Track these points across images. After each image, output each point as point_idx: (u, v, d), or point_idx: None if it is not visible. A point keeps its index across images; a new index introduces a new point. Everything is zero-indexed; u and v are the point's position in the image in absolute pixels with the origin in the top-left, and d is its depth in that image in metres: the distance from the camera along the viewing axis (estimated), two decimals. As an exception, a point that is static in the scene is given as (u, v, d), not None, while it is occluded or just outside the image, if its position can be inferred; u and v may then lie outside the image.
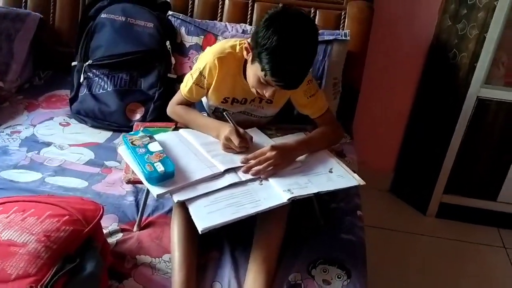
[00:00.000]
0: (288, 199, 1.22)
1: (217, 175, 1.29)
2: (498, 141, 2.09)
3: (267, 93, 1.35)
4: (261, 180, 1.30)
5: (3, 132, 1.70)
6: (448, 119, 2.08)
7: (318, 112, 1.52)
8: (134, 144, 1.32)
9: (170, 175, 1.24)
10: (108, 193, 1.46)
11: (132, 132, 1.39)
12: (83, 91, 1.80)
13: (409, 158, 2.33)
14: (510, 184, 2.14)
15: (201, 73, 1.47)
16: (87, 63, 1.82)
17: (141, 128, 1.48)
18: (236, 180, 1.28)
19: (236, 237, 1.32)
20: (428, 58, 2.11)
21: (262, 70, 1.29)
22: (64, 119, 1.80)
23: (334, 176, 1.34)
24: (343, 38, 1.77)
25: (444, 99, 2.08)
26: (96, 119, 1.77)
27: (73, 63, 1.87)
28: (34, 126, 1.75)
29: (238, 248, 1.30)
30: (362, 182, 1.33)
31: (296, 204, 1.31)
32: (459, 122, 2.05)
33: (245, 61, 1.41)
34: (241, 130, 1.39)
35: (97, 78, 1.81)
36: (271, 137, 1.51)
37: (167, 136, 1.43)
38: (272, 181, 1.29)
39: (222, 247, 1.30)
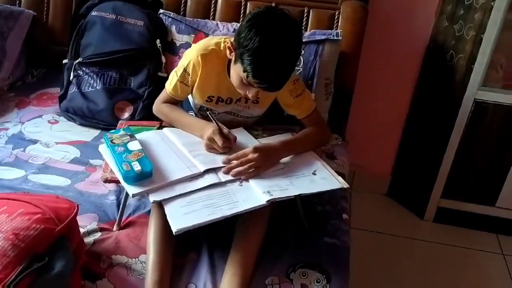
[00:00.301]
0: (267, 201, 1.19)
1: (196, 175, 1.26)
2: (497, 144, 2.03)
3: (250, 94, 1.32)
4: (241, 182, 1.27)
5: (-10, 129, 1.70)
6: (445, 121, 2.03)
7: (305, 112, 1.49)
8: (114, 143, 1.30)
9: (147, 175, 1.22)
10: (90, 192, 1.45)
11: (113, 131, 1.38)
12: (73, 89, 1.79)
13: (406, 162, 2.29)
14: (509, 188, 2.09)
15: (185, 70, 1.45)
16: (77, 61, 1.81)
17: (124, 127, 1.47)
18: (216, 181, 1.25)
19: (216, 239, 1.29)
20: (425, 59, 2.06)
21: (244, 72, 1.26)
22: (53, 117, 1.80)
23: (317, 178, 1.31)
24: (335, 38, 1.73)
25: (441, 102, 2.03)
26: (84, 117, 1.76)
27: (64, 61, 1.86)
28: (23, 123, 1.75)
29: (217, 250, 1.27)
30: (345, 185, 1.29)
31: (280, 206, 1.28)
32: (456, 124, 2.00)
33: (229, 60, 1.39)
34: (225, 130, 1.36)
35: (86, 76, 1.80)
36: (257, 138, 1.48)
37: (149, 135, 1.41)
38: (252, 182, 1.26)
39: (201, 248, 1.28)
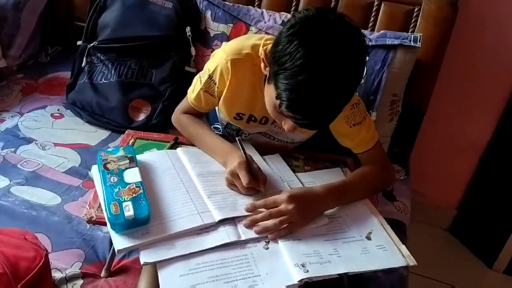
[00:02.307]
0: (299, 281, 0.86)
1: (208, 226, 0.94)
2: None
3: (285, 125, 0.98)
4: (268, 242, 0.93)
5: (-15, 118, 1.44)
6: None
7: (363, 146, 1.13)
8: (107, 168, 0.99)
9: (141, 222, 0.90)
10: (80, 218, 1.15)
11: (110, 149, 1.06)
12: (83, 78, 1.50)
13: (478, 196, 1.88)
14: None
15: (210, 77, 1.11)
16: (91, 44, 1.50)
17: (130, 140, 1.16)
18: (234, 238, 0.92)
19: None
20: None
21: (277, 98, 0.92)
22: (58, 109, 1.51)
23: (372, 246, 0.96)
24: (412, 44, 1.33)
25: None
26: (92, 114, 1.46)
27: (78, 42, 1.56)
28: (22, 115, 1.47)
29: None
30: (412, 262, 0.94)
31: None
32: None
33: None
34: (255, 165, 1.03)
35: (100, 65, 1.49)
36: (296, 171, 1.14)
37: (157, 157, 1.10)
38: (282, 245, 0.93)
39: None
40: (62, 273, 1.02)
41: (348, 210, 1.04)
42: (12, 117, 1.46)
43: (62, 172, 1.29)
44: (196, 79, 1.17)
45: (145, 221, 0.90)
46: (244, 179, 0.99)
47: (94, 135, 1.43)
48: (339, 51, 0.87)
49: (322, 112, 0.91)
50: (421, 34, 1.35)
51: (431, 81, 1.44)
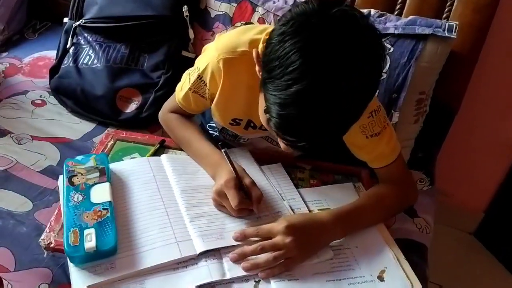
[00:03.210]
0: (292, 338, 0.70)
1: (186, 259, 0.78)
2: None
3: (280, 143, 0.80)
4: (258, 282, 0.78)
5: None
6: None
7: (381, 161, 0.95)
8: (72, 183, 0.84)
9: (105, 255, 0.75)
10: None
11: (80, 157, 0.90)
12: (67, 61, 1.33)
13: (507, 201, 1.69)
14: None
15: (200, 77, 0.94)
16: (77, 23, 1.33)
17: (109, 142, 1.00)
18: (217, 277, 0.76)
19: None
20: None
21: (266, 113, 0.74)
22: (40, 96, 1.35)
23: (384, 289, 0.79)
24: (446, 34, 1.12)
25: None
26: (77, 103, 1.30)
27: (65, 20, 1.39)
28: (0, 101, 1.32)
29: None
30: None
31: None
32: None
33: None
34: (247, 180, 0.86)
35: (87, 47, 1.32)
36: (300, 185, 0.97)
37: (136, 166, 0.94)
38: (275, 286, 0.77)
39: None
40: (23, 299, 0.89)
41: (358, 240, 0.87)
42: (-12, 104, 1.31)
43: (38, 171, 1.14)
44: (185, 76, 1.00)
45: (110, 253, 0.75)
46: (233, 200, 0.82)
47: (77, 127, 1.27)
48: (345, 57, 0.67)
49: (319, 134, 0.72)
50: (457, 23, 1.13)
51: (466, 77, 1.23)
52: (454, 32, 1.12)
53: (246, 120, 0.96)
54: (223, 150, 0.85)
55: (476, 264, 1.77)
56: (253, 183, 0.86)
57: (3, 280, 0.87)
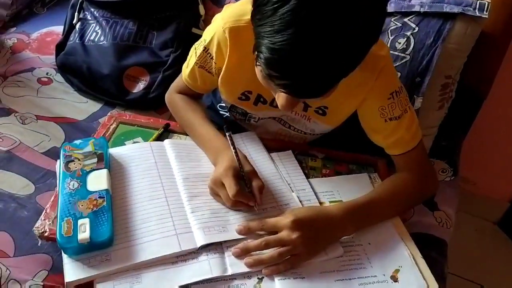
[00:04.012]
0: None
1: (186, 253, 0.74)
2: None
3: (277, 99, 0.74)
4: (261, 279, 0.73)
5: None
6: None
7: (399, 147, 0.88)
8: (68, 169, 0.79)
9: (100, 246, 0.71)
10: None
11: (79, 141, 0.86)
12: (74, 37, 1.28)
13: (537, 192, 1.60)
14: None
15: (206, 50, 0.88)
16: (84, -3, 1.28)
17: (112, 125, 0.96)
18: (217, 273, 0.72)
19: None
20: None
21: (254, 51, 0.68)
22: (47, 73, 1.31)
23: (398, 291, 0.73)
24: (477, 13, 1.03)
25: None
26: (83, 82, 1.25)
27: (72, -7, 1.34)
28: (5, 78, 1.28)
29: None
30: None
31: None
32: None
33: None
34: (247, 168, 0.80)
35: (94, 23, 1.27)
36: (311, 175, 0.91)
37: (138, 151, 0.89)
38: (279, 285, 0.72)
39: None
40: (21, 286, 0.86)
41: (371, 236, 0.81)
42: (-6, 81, 1.28)
43: (41, 153, 1.10)
44: (192, 51, 0.94)
45: (105, 245, 0.71)
46: (230, 189, 0.76)
47: (83, 107, 1.23)
48: None
49: (312, 71, 0.63)
50: (489, 1, 1.04)
51: (497, 60, 1.14)
52: (486, 11, 1.03)
53: (256, 94, 0.90)
54: (227, 134, 0.80)
55: (499, 254, 1.70)
56: (254, 172, 0.80)
57: (1, 266, 0.85)
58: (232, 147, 0.80)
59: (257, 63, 0.69)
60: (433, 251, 0.95)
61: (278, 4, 0.61)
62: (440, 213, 1.07)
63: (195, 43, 0.93)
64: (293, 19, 0.60)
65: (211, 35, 0.86)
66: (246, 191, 0.78)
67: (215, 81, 0.92)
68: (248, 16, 0.79)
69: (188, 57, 0.95)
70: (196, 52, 0.91)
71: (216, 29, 0.85)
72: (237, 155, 0.79)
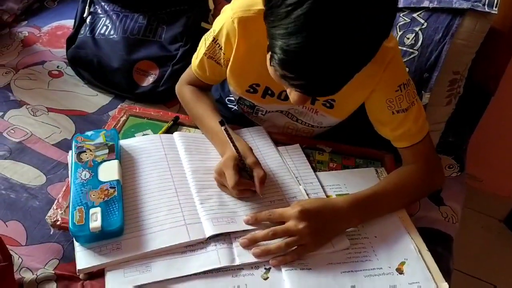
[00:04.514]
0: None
1: (195, 243, 0.75)
2: None
3: (290, 94, 0.75)
4: (268, 270, 0.74)
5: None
6: None
7: (406, 140, 0.88)
8: (80, 159, 0.81)
9: (111, 235, 0.73)
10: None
11: (90, 133, 0.87)
12: (84, 31, 1.30)
13: (544, 189, 1.60)
14: None
15: (215, 40, 0.89)
16: (95, -9, 1.29)
17: (122, 118, 0.97)
18: (225, 263, 0.73)
19: None
20: None
21: (268, 51, 0.69)
22: (58, 66, 1.33)
23: (403, 283, 0.74)
24: (486, 9, 1.03)
25: None
26: (94, 75, 1.27)
27: (83, -13, 1.35)
28: (17, 71, 1.30)
29: None
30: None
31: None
32: None
33: None
34: (249, 160, 0.81)
35: (104, 16, 1.28)
36: (318, 169, 0.92)
37: (148, 143, 0.90)
38: (286, 275, 0.73)
39: None
40: (33, 274, 0.88)
41: (377, 228, 0.82)
42: (6, 73, 1.29)
43: (52, 144, 1.12)
44: (201, 41, 0.95)
45: (116, 234, 0.73)
46: (230, 180, 0.78)
47: (94, 100, 1.25)
48: None
49: (323, 67, 0.65)
50: (499, -4, 1.04)
51: (506, 57, 1.14)
52: (495, 7, 1.03)
53: (264, 86, 0.91)
54: (223, 128, 0.81)
55: (505, 252, 1.70)
56: (256, 163, 0.81)
57: (14, 254, 0.86)
58: (229, 139, 0.81)
59: (271, 63, 0.70)
60: (438, 246, 0.95)
61: (292, 7, 0.61)
62: (446, 208, 1.07)
63: (205, 34, 0.94)
64: (307, 22, 0.61)
65: (220, 26, 0.87)
66: (247, 181, 0.79)
67: (223, 72, 0.93)
68: (258, 7, 0.81)
69: (198, 47, 0.96)
70: (205, 43, 0.92)
71: (225, 19, 0.86)
72: (235, 146, 0.80)
